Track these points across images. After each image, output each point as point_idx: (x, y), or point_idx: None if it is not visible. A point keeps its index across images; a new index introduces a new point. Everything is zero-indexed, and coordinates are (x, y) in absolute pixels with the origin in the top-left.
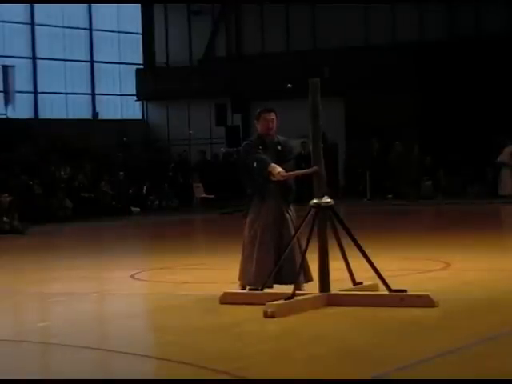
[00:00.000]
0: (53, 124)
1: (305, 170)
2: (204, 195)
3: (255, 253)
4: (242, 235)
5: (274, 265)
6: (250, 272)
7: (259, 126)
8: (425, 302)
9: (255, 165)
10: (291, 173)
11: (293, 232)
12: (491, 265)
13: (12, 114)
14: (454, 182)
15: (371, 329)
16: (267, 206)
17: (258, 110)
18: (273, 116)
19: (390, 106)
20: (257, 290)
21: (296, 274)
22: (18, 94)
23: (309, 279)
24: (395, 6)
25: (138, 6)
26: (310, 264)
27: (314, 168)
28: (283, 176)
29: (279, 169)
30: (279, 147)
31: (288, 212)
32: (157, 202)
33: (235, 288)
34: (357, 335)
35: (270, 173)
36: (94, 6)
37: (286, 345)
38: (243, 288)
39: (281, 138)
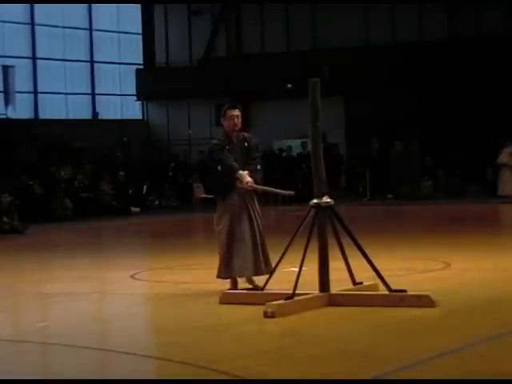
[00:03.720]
0: (53, 124)
1: (275, 189)
2: (204, 195)
3: (234, 245)
4: None
5: (252, 254)
6: (233, 264)
7: (225, 124)
8: (425, 302)
9: (220, 168)
10: (260, 186)
11: (259, 223)
12: (491, 265)
13: (12, 114)
14: (453, 182)
15: (371, 329)
16: (233, 201)
17: (224, 108)
18: (237, 112)
19: (390, 106)
20: (257, 289)
21: (266, 266)
22: (18, 94)
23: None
24: (395, 6)
25: (138, 6)
26: (308, 264)
27: (290, 192)
28: (251, 186)
29: (248, 178)
30: (246, 144)
31: (252, 205)
32: (157, 202)
33: (229, 287)
34: (357, 335)
35: (238, 179)
36: (94, 5)
37: (285, 345)
38: (235, 282)
39: (246, 135)
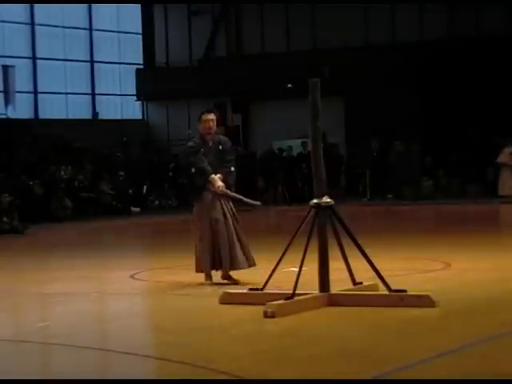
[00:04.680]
0: (53, 124)
1: (244, 198)
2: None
3: (209, 243)
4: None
5: (228, 251)
6: (208, 260)
7: (201, 127)
8: (425, 302)
9: (193, 170)
10: (230, 193)
11: (234, 221)
12: (491, 265)
13: (12, 114)
14: (453, 182)
15: (371, 329)
16: (208, 202)
17: (200, 112)
18: (212, 116)
19: (390, 106)
20: (257, 289)
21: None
22: (18, 94)
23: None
24: (395, 6)
25: (138, 6)
26: (308, 264)
27: (257, 202)
28: (222, 191)
29: (219, 183)
30: (220, 147)
31: (227, 204)
32: (157, 202)
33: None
34: (357, 335)
35: (210, 182)
36: (94, 5)
37: (285, 345)
38: (209, 276)
39: (222, 138)
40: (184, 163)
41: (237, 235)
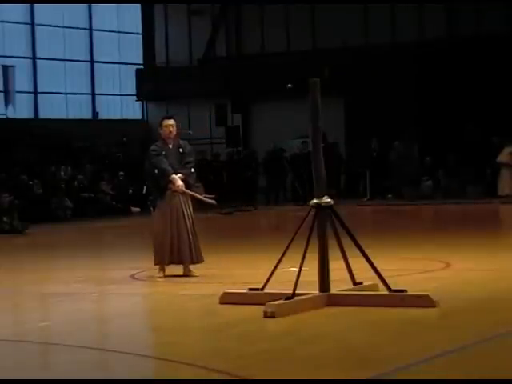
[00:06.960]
0: (53, 124)
1: (202, 197)
2: (204, 195)
3: (169, 239)
4: (240, 235)
5: (187, 247)
6: (166, 255)
7: (162, 132)
8: (425, 301)
9: (156, 171)
10: (189, 192)
11: (191, 220)
12: (491, 265)
13: (12, 114)
14: (453, 182)
15: (371, 329)
16: (169, 200)
17: (160, 118)
18: (171, 122)
19: (390, 106)
20: (257, 289)
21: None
22: (18, 94)
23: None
24: (395, 6)
25: (138, 6)
26: (308, 264)
27: (212, 201)
28: (182, 190)
29: (179, 182)
30: (180, 150)
31: (186, 204)
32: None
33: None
34: (357, 335)
35: (171, 182)
36: (94, 5)
37: (285, 344)
38: (163, 269)
39: (182, 142)
40: (147, 165)
41: (192, 233)
